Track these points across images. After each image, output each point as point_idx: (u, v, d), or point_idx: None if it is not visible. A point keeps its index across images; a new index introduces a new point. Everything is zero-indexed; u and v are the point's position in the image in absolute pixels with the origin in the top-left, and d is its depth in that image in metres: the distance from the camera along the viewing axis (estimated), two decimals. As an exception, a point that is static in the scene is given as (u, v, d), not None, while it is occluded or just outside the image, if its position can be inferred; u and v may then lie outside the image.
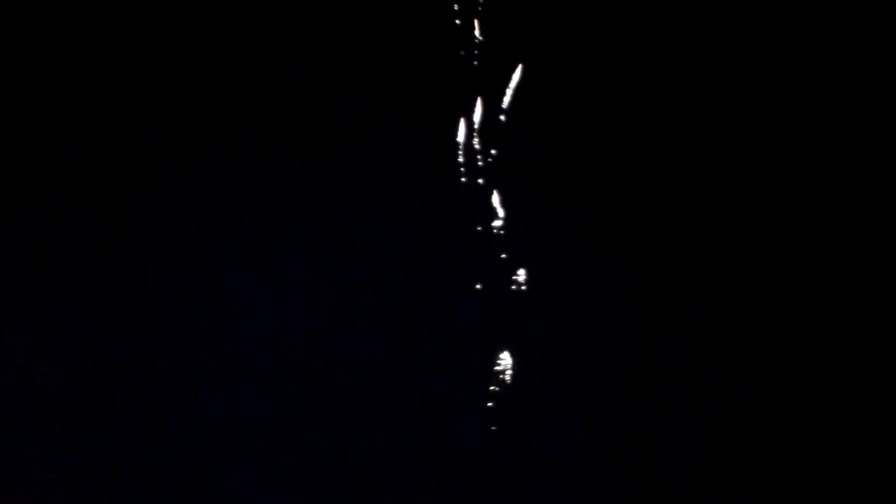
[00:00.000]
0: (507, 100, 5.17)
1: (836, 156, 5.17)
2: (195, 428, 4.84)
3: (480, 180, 5.15)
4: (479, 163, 5.17)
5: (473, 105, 5.21)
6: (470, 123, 5.16)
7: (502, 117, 5.15)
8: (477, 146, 5.18)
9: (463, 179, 5.12)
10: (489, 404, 4.89)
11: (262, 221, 5.04)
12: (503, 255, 5.09)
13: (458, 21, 5.19)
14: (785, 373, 5.06)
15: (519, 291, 5.03)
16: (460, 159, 5.16)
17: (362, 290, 5.11)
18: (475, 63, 5.20)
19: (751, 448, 4.97)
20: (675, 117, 5.21)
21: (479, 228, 5.11)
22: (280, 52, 5.16)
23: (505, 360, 4.99)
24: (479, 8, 5.21)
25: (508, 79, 5.21)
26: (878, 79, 5.17)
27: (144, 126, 5.10)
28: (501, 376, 4.97)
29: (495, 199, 5.11)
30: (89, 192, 5.09)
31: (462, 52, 5.19)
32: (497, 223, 5.12)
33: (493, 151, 5.16)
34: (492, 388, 4.95)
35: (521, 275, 5.05)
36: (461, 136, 5.17)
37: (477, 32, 5.17)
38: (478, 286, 5.05)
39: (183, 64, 5.13)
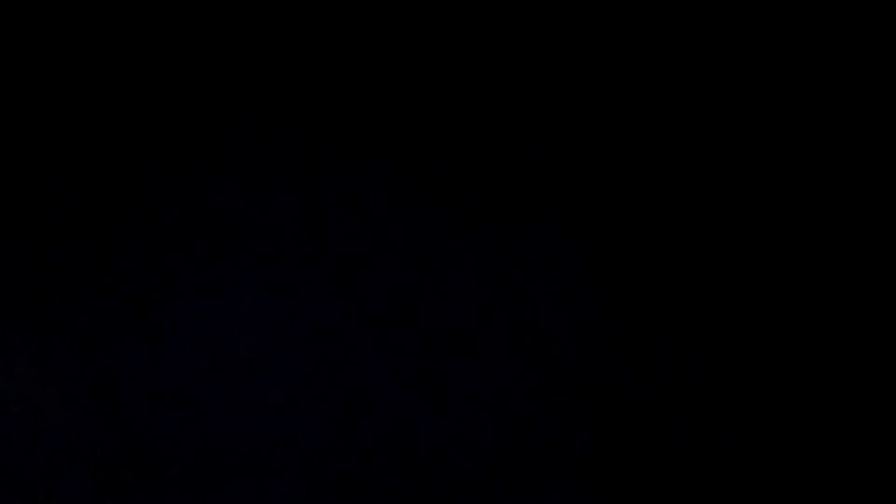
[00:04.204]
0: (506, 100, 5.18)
1: (836, 157, 5.18)
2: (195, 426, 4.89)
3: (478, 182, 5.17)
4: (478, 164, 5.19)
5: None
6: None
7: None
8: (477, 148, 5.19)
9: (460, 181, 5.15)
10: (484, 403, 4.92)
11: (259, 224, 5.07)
12: (502, 255, 5.11)
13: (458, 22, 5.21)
14: (783, 374, 5.07)
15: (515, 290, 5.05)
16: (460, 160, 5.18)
17: (363, 290, 5.15)
18: (474, 64, 5.22)
19: (749, 449, 4.98)
20: (674, 119, 5.23)
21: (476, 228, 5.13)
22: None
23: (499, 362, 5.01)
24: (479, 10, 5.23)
25: (506, 79, 5.23)
26: (879, 79, 5.17)
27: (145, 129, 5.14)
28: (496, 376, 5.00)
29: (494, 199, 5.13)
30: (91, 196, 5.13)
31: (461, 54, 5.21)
32: (494, 223, 5.13)
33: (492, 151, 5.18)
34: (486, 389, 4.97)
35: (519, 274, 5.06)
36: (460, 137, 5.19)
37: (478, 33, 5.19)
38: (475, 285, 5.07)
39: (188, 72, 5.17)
